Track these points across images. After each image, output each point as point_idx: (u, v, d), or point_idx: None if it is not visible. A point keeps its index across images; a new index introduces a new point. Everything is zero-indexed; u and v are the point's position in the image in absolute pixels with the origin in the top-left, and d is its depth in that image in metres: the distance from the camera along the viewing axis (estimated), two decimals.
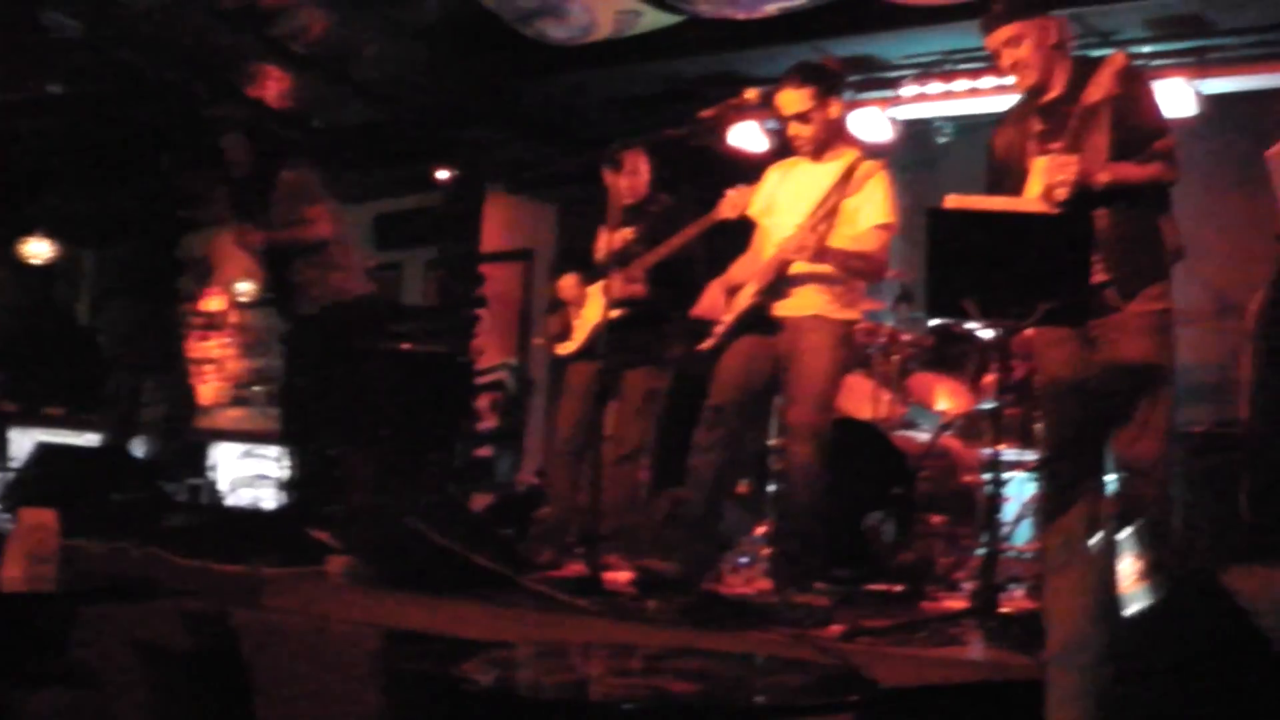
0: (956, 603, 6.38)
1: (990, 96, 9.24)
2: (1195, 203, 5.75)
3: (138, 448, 11.51)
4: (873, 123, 9.43)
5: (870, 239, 6.17)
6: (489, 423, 11.90)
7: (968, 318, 5.06)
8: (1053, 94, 5.51)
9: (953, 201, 5.16)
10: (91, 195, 13.06)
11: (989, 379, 7.51)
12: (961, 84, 9.27)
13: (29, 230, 13.44)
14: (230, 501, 11.66)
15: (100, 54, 10.09)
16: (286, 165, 8.33)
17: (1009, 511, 7.62)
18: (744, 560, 7.55)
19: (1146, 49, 8.48)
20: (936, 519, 7.19)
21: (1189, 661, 1.15)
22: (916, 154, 10.06)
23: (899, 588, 6.70)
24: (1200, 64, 8.42)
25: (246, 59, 10.59)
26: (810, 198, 6.26)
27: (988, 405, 7.61)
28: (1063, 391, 5.53)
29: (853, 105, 9.36)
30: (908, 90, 9.50)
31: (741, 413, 6.32)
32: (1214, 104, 8.36)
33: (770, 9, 8.41)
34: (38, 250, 13.59)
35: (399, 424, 8.46)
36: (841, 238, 6.13)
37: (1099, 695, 2.57)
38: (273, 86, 11.13)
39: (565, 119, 11.09)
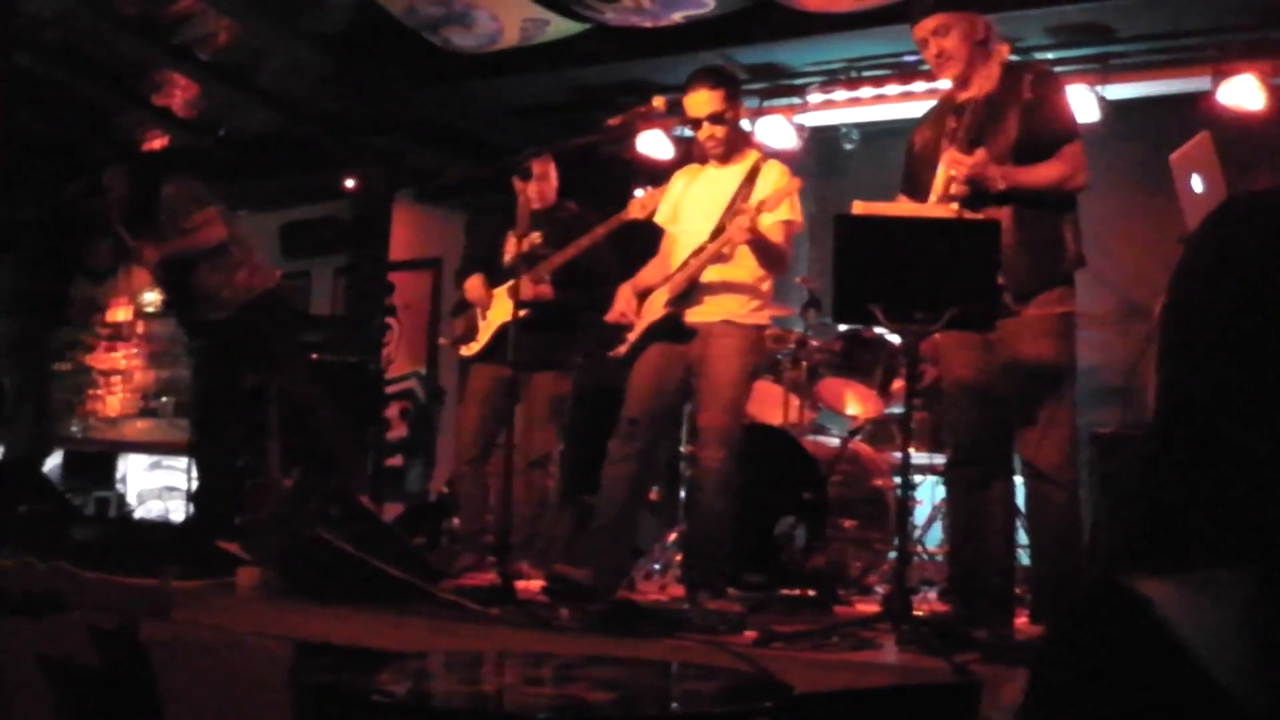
0: (869, 607, 6.43)
1: (896, 103, 9.31)
2: (1100, 207, 5.82)
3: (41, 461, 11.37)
4: (779, 130, 9.46)
5: (775, 231, 6.20)
6: (399, 432, 11.87)
7: (875, 323, 5.08)
8: (969, 93, 5.55)
9: (859, 208, 5.19)
10: None
11: (898, 384, 7.56)
12: (867, 91, 9.32)
13: None
14: (138, 514, 11.55)
15: None
16: (165, 181, 8.25)
17: (920, 515, 7.69)
18: (656, 567, 7.56)
19: (1050, 55, 8.55)
20: (848, 523, 7.23)
21: (1102, 674, 1.15)
22: (823, 161, 10.13)
23: (811, 593, 6.74)
24: (1103, 70, 8.50)
25: (152, 67, 10.51)
26: (717, 201, 6.31)
27: (897, 410, 7.68)
28: (967, 395, 5.56)
29: (760, 113, 9.41)
30: (814, 97, 9.54)
31: (655, 423, 6.34)
32: (1117, 110, 8.44)
33: (677, 17, 8.44)
34: None
35: (308, 434, 8.39)
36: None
37: None
38: (179, 95, 11.06)
39: (472, 127, 11.07)
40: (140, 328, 13.78)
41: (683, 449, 7.80)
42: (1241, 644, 1.19)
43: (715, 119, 6.33)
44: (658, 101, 6.45)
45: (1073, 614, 1.35)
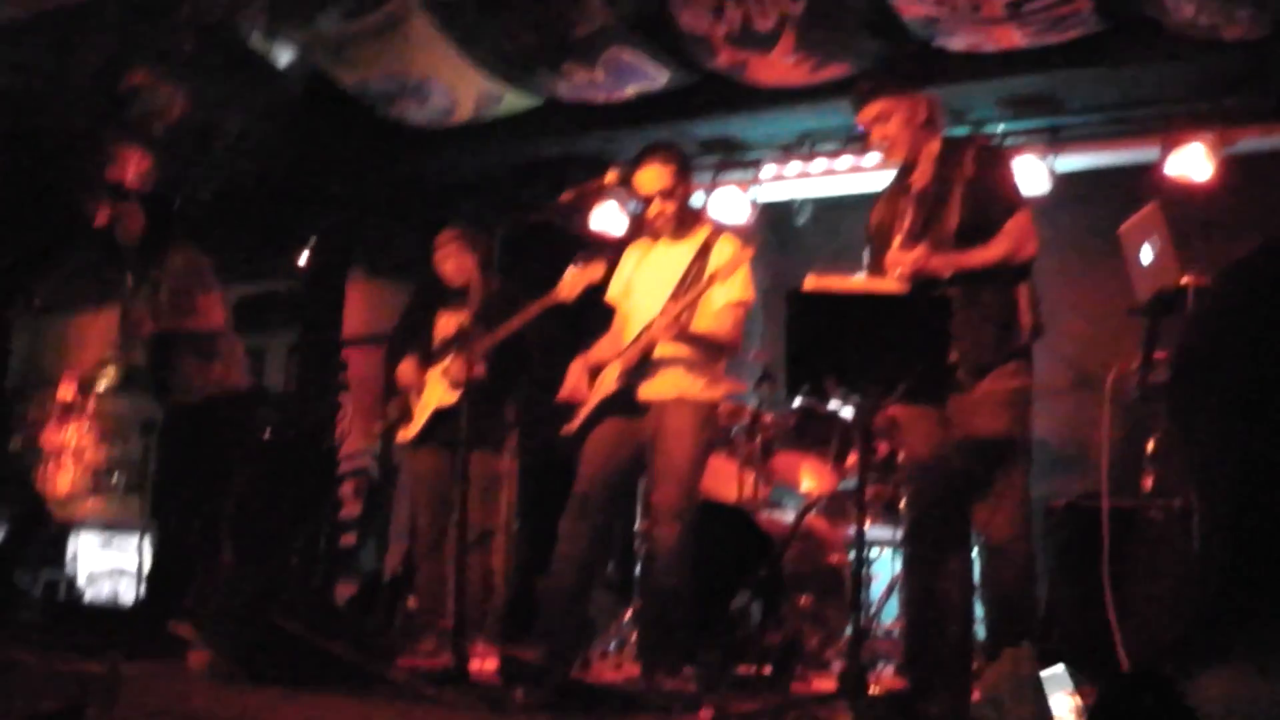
0: (825, 683, 6.41)
1: (848, 176, 9.33)
2: (1050, 277, 5.82)
3: None
4: (732, 203, 9.45)
5: (725, 315, 6.22)
6: (352, 510, 11.77)
7: (828, 397, 5.07)
8: (916, 175, 5.56)
9: (812, 282, 5.18)
10: None
11: (852, 458, 7.54)
12: (820, 164, 9.34)
13: None
14: (88, 595, 11.42)
15: None
16: (176, 246, 8.15)
17: (876, 589, 7.66)
18: (611, 646, 7.51)
19: (1000, 127, 8.60)
20: (804, 599, 7.21)
21: None
22: (776, 234, 10.13)
23: (767, 669, 6.69)
24: (1052, 141, 8.54)
25: (105, 140, 10.46)
26: (670, 277, 6.31)
27: (852, 484, 7.66)
28: (923, 468, 5.56)
29: (713, 186, 9.42)
30: (767, 171, 9.55)
31: (607, 500, 6.32)
32: (1067, 181, 8.47)
33: (629, 92, 8.46)
34: None
35: (260, 513, 8.32)
36: (700, 314, 6.17)
37: None
38: (131, 168, 11.01)
39: (426, 201, 11.05)
40: (91, 404, 13.66)
41: (637, 525, 7.77)
42: None
43: (665, 195, 6.33)
44: (610, 176, 6.44)
45: (1112, 707, 1.32)
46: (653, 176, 6.33)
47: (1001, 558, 5.33)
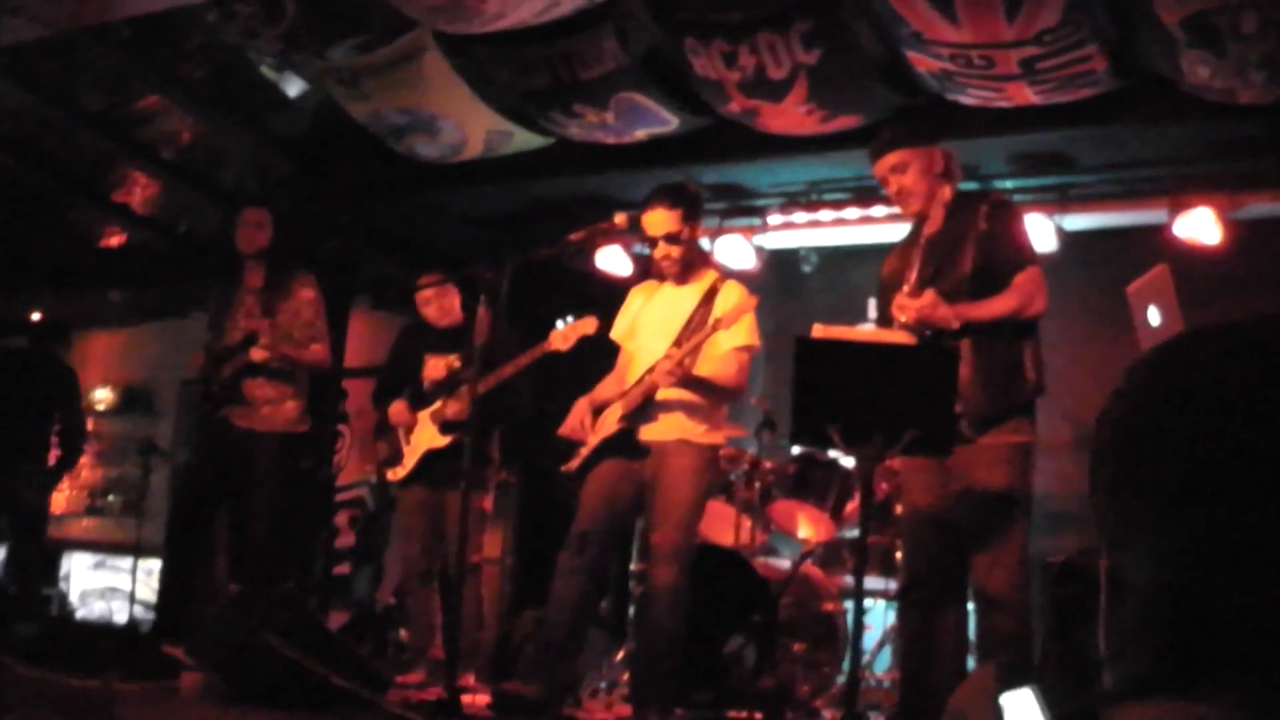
0: None
1: (855, 226, 9.36)
2: (1056, 336, 5.84)
3: None
4: (738, 250, 9.47)
5: (730, 361, 6.23)
6: (347, 539, 11.76)
7: (831, 445, 5.08)
8: (931, 226, 5.58)
9: (819, 331, 5.20)
10: None
11: (850, 507, 7.55)
12: (826, 214, 9.37)
13: None
14: (80, 614, 11.40)
15: None
16: (303, 275, 7.94)
17: (869, 639, 7.65)
18: (604, 685, 7.51)
19: (1009, 184, 8.62)
20: (797, 646, 7.21)
21: None
22: (781, 282, 10.15)
23: (759, 715, 6.69)
24: (1062, 200, 8.57)
25: (114, 163, 10.49)
26: (674, 320, 6.32)
27: (849, 533, 7.67)
28: (922, 520, 5.57)
29: (720, 232, 9.44)
30: (774, 219, 9.58)
31: (606, 538, 6.32)
32: (1076, 240, 8.50)
33: (640, 134, 8.49)
34: None
35: (261, 540, 8.29)
36: (704, 359, 6.18)
37: None
38: (139, 192, 11.03)
39: (431, 236, 11.08)
40: (89, 425, 13.67)
41: (633, 566, 7.77)
42: None
43: (671, 239, 6.34)
44: (619, 218, 6.44)
45: None
46: (659, 219, 6.34)
47: (998, 611, 5.33)
